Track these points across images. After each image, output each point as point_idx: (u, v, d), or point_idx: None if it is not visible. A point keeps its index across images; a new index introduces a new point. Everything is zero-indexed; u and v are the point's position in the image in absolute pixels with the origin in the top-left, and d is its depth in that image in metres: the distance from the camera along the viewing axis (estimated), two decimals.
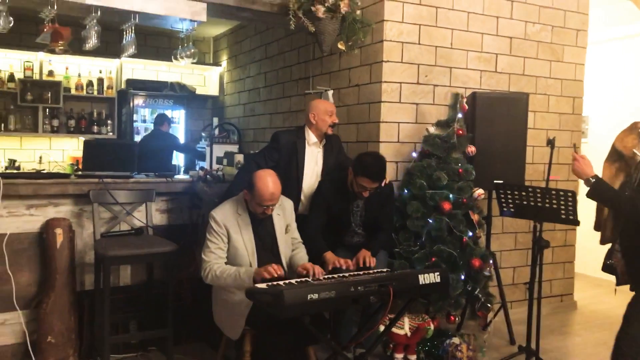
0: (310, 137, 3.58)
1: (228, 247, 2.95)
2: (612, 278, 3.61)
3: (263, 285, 2.57)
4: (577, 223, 3.24)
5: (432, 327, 3.68)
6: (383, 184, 3.35)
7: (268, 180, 2.89)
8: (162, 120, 6.29)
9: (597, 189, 2.61)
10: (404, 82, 4.07)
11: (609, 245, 3.47)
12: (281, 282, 2.62)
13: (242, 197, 3.02)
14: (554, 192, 3.21)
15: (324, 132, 3.56)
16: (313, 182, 3.55)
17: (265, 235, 3.05)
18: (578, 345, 4.15)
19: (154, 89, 6.94)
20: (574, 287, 5.11)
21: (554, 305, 4.93)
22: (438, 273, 2.83)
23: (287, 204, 3.21)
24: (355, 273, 2.95)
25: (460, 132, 3.88)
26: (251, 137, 6.39)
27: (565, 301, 5.03)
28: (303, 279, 2.72)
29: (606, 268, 3.70)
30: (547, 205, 3.23)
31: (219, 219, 2.95)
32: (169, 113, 6.88)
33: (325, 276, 2.82)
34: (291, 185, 3.45)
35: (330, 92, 4.59)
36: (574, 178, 4.94)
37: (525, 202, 3.34)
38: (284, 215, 3.14)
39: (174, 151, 6.41)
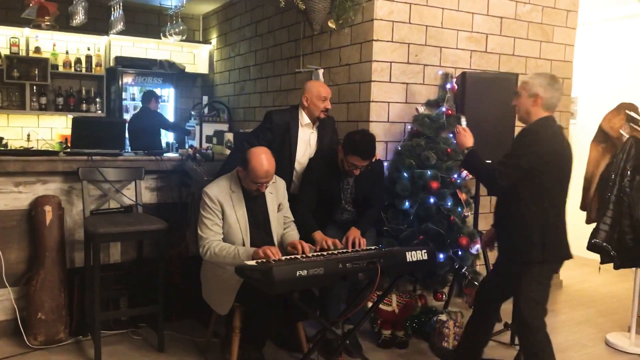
0: (304, 118, 3.57)
1: (222, 223, 2.97)
2: (597, 257, 3.68)
3: (252, 262, 2.60)
4: None
5: (419, 304, 3.74)
6: (373, 160, 3.37)
7: (262, 158, 2.90)
8: (149, 97, 6.25)
9: (467, 160, 2.91)
10: (394, 62, 4.07)
11: (594, 225, 3.54)
12: (270, 259, 2.65)
13: (236, 174, 3.04)
14: None
15: (316, 116, 3.56)
16: (305, 163, 3.56)
17: (257, 213, 3.07)
18: (563, 322, 4.22)
19: (143, 67, 6.88)
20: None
21: None
22: (425, 251, 2.86)
23: (280, 183, 3.23)
24: (344, 250, 2.98)
25: (450, 112, 3.89)
26: (241, 116, 6.37)
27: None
28: (292, 256, 2.75)
29: (591, 247, 3.78)
30: None
31: (212, 195, 2.96)
32: (158, 91, 6.82)
33: (314, 253, 2.85)
34: (284, 165, 3.45)
35: (321, 71, 4.58)
36: None
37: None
38: (276, 194, 3.16)
39: (163, 129, 6.39)
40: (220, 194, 2.97)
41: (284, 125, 3.54)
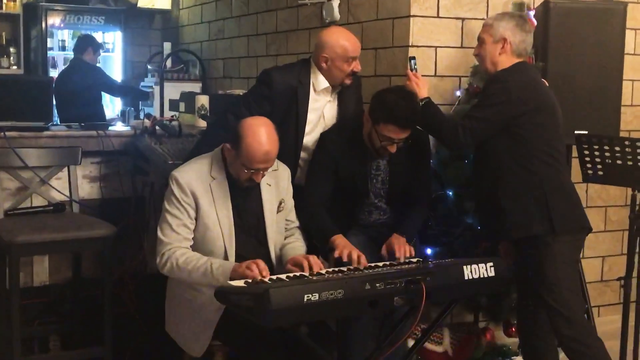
0: (319, 81, 3.51)
1: (196, 224, 2.99)
2: None
3: (240, 283, 2.60)
4: None
5: (483, 341, 3.74)
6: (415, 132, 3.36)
7: (261, 133, 2.88)
8: (85, 46, 6.27)
9: (424, 112, 3.25)
10: None
11: None
12: (266, 278, 2.66)
13: (220, 154, 3.04)
14: None
15: (339, 82, 3.54)
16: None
17: (248, 213, 3.07)
18: None
19: (77, 1, 6.90)
20: None
21: None
22: (492, 264, 2.84)
23: (283, 171, 3.21)
24: (373, 265, 2.98)
25: (528, 60, 3.86)
26: (220, 71, 6.37)
27: None
28: (298, 273, 2.76)
29: None
30: None
31: (183, 182, 2.95)
32: (98, 37, 6.84)
33: (330, 269, 2.85)
34: (287, 147, 3.43)
35: (336, 3, 4.55)
36: None
37: (620, 162, 3.35)
38: (276, 186, 3.16)
39: (105, 93, 6.40)
40: (196, 181, 2.97)
41: (289, 92, 3.49)
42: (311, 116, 3.53)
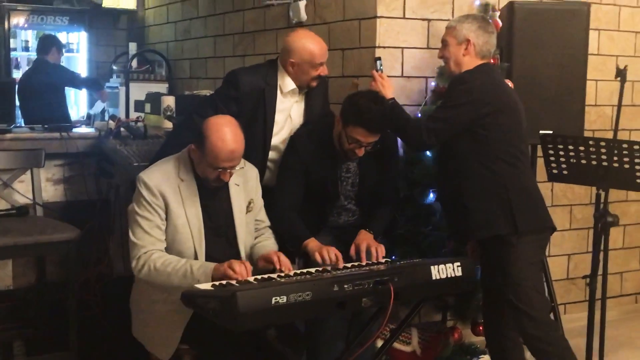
0: (286, 83, 3.51)
1: (166, 225, 2.96)
2: None
3: (207, 286, 2.58)
4: None
5: (451, 340, 3.75)
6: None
7: (226, 131, 2.87)
8: (48, 46, 6.19)
9: (393, 112, 3.27)
10: None
11: None
12: (233, 280, 2.64)
13: (187, 155, 3.02)
14: (625, 145, 3.26)
15: (305, 85, 3.54)
16: (284, 146, 3.55)
17: (217, 214, 3.05)
18: None
19: (40, 1, 6.82)
20: None
21: (625, 307, 5.08)
22: (459, 264, 2.87)
23: (251, 171, 3.21)
24: (342, 266, 2.99)
25: (492, 60, 3.89)
26: (186, 72, 6.33)
27: None
28: (266, 276, 2.75)
29: None
30: (615, 164, 3.28)
31: (151, 184, 2.92)
32: (62, 37, 6.76)
33: (299, 270, 2.85)
34: (255, 148, 3.43)
35: (302, 4, 4.55)
36: None
37: (584, 161, 3.38)
38: (245, 186, 3.14)
39: (69, 88, 6.32)
40: (164, 183, 2.94)
41: (256, 93, 3.48)
42: (278, 117, 3.53)
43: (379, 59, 3.54)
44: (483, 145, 3.16)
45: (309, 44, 3.44)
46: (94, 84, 6.36)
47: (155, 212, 2.91)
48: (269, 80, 3.50)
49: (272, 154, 3.55)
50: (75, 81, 6.37)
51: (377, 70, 3.45)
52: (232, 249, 3.05)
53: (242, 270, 2.70)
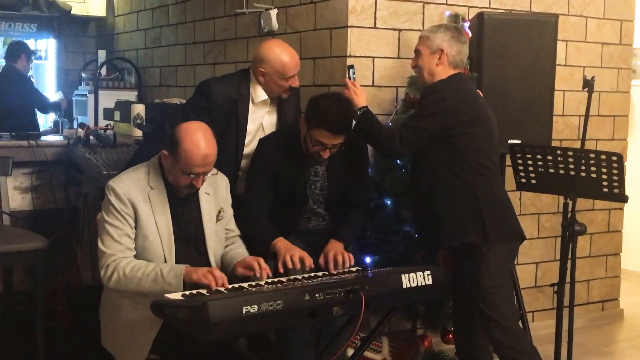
0: (258, 93, 3.51)
1: (136, 233, 2.94)
2: None
3: (177, 295, 2.57)
4: (624, 199, 3.36)
5: (422, 348, 3.77)
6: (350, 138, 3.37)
7: (199, 137, 2.87)
8: (17, 52, 6.14)
9: (361, 123, 3.31)
10: None
11: None
12: (203, 290, 2.63)
13: (156, 162, 3.00)
14: (592, 155, 3.31)
15: (276, 95, 3.54)
16: None
17: (186, 222, 3.03)
18: None
19: (8, 7, 6.75)
20: (620, 289, 5.31)
21: (592, 315, 5.12)
22: (429, 272, 2.89)
23: (221, 180, 3.20)
24: (313, 275, 2.98)
25: (463, 70, 3.92)
26: (156, 80, 6.30)
27: (608, 309, 5.23)
28: (237, 285, 2.74)
29: None
30: (582, 174, 3.32)
31: (121, 192, 2.90)
32: (30, 44, 6.70)
33: (269, 280, 2.84)
34: (227, 158, 3.42)
35: (274, 13, 4.55)
36: (620, 136, 5.08)
37: (552, 171, 3.42)
38: (215, 195, 3.13)
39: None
40: (134, 190, 2.92)
41: (228, 103, 3.48)
42: (250, 127, 3.53)
43: (352, 67, 3.54)
44: (455, 154, 3.20)
45: (281, 55, 3.44)
46: (56, 107, 6.33)
47: (124, 220, 2.89)
48: (241, 90, 3.50)
49: (244, 163, 3.55)
50: (43, 106, 6.29)
51: (349, 78, 3.46)
52: (202, 258, 3.04)
53: (217, 277, 2.70)
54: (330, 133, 3.23)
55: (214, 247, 3.09)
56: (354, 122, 3.33)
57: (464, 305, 3.39)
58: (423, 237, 3.53)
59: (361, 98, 3.39)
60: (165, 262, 2.94)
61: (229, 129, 3.46)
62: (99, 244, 2.91)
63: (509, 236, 3.27)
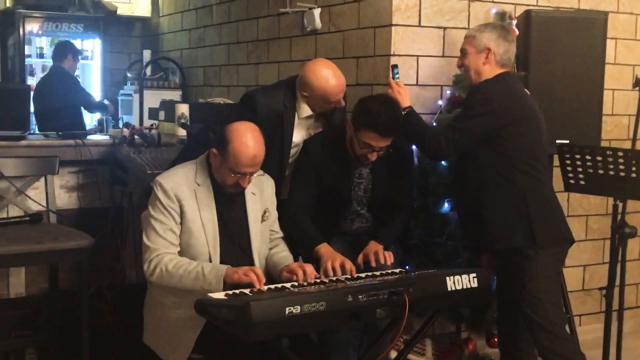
0: (303, 108, 3.49)
1: (181, 229, 2.96)
2: None
3: (220, 295, 2.58)
4: None
5: (466, 352, 3.73)
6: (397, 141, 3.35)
7: (248, 136, 2.89)
8: (64, 52, 6.22)
9: (406, 121, 3.27)
10: None
11: None
12: (246, 290, 2.64)
13: (204, 160, 3.03)
14: None
15: (318, 111, 3.51)
16: None
17: (232, 221, 3.05)
18: None
19: (55, 8, 6.85)
20: None
21: None
22: (475, 275, 2.85)
23: (267, 181, 3.22)
24: (356, 276, 2.97)
25: (509, 70, 3.87)
26: (200, 79, 6.34)
27: None
28: (279, 286, 2.74)
29: None
30: (633, 175, 3.26)
31: (168, 188, 2.93)
32: (77, 44, 6.79)
33: (311, 281, 2.83)
34: (272, 166, 3.42)
35: (317, 12, 4.55)
36: None
37: (601, 171, 3.36)
38: (261, 195, 3.15)
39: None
40: (180, 187, 2.95)
41: (273, 116, 3.45)
42: (296, 138, 3.53)
43: (396, 66, 3.53)
44: (502, 155, 3.15)
45: (324, 82, 3.37)
46: (102, 110, 6.39)
47: (170, 215, 2.93)
48: (287, 103, 3.48)
49: (288, 172, 3.56)
50: (88, 105, 6.38)
51: (393, 78, 3.44)
52: (246, 257, 3.05)
53: (258, 276, 2.71)
54: (379, 135, 3.21)
55: (259, 247, 3.10)
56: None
57: (509, 309, 3.33)
58: (468, 239, 3.48)
59: (405, 98, 3.38)
60: (210, 259, 2.96)
61: (273, 141, 3.40)
62: (144, 238, 2.95)
63: (557, 240, 3.22)
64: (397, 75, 3.47)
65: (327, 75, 3.38)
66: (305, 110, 3.50)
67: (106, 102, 6.57)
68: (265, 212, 3.14)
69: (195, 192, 2.97)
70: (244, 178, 2.93)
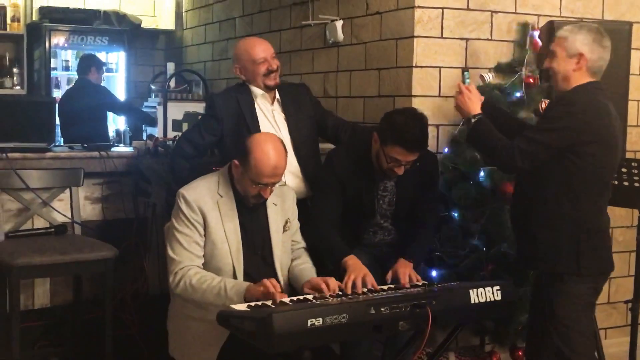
0: (254, 90, 3.61)
1: (205, 241, 2.97)
2: None
3: (243, 307, 2.58)
4: None
5: None
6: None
7: (269, 147, 2.90)
8: (89, 65, 6.26)
9: (475, 132, 3.04)
10: (447, 8, 4.05)
11: None
12: (268, 302, 2.63)
13: (226, 172, 3.04)
14: None
15: (265, 87, 3.59)
16: None
17: (254, 232, 3.05)
18: None
19: (80, 22, 6.91)
20: None
21: None
22: (498, 287, 2.84)
23: (288, 192, 3.23)
24: (378, 288, 2.96)
25: (531, 80, 3.85)
26: None
27: None
28: (301, 297, 2.74)
29: None
30: None
31: (191, 200, 2.94)
32: (102, 57, 6.85)
33: (334, 293, 2.83)
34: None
35: (339, 24, 4.56)
36: None
37: (626, 184, 3.34)
38: (282, 206, 3.15)
39: (110, 112, 6.40)
40: (203, 198, 2.96)
41: (232, 107, 3.58)
42: (264, 127, 3.57)
43: (467, 70, 3.39)
44: (570, 174, 2.90)
45: (245, 45, 3.63)
46: (134, 113, 6.40)
47: (194, 227, 2.94)
48: (241, 91, 3.64)
49: None
50: (116, 108, 6.42)
51: (463, 82, 3.28)
52: (269, 268, 3.06)
53: (269, 286, 2.68)
54: (407, 150, 3.19)
55: (281, 256, 3.10)
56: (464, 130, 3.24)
57: (537, 332, 3.14)
58: (517, 253, 3.30)
59: (476, 105, 3.14)
60: (234, 269, 2.97)
61: (241, 133, 3.48)
62: (169, 250, 2.95)
63: (600, 271, 3.03)
64: (467, 80, 3.30)
65: (249, 39, 3.76)
66: (256, 90, 3.60)
67: (153, 109, 6.55)
68: (286, 222, 3.14)
69: (218, 204, 2.98)
70: (266, 189, 2.93)
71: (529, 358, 3.32)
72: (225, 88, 3.90)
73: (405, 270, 3.19)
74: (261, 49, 3.58)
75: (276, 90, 3.65)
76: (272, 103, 3.63)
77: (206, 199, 2.96)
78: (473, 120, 3.07)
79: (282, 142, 2.97)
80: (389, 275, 3.19)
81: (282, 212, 3.14)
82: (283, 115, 3.64)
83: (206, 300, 2.85)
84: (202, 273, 2.90)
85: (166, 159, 3.97)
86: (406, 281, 3.13)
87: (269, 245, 3.08)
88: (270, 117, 3.61)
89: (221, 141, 3.60)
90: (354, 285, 2.95)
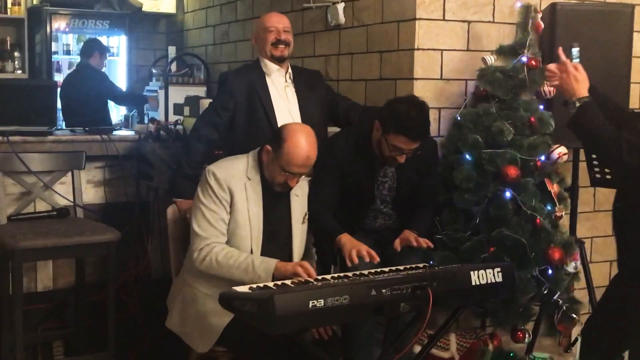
0: (268, 66, 3.67)
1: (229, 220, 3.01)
2: None
3: (244, 288, 2.59)
4: None
5: (490, 347, 3.71)
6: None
7: (303, 137, 2.94)
8: (91, 50, 6.27)
9: (579, 118, 2.68)
10: None
11: None
12: (270, 284, 2.65)
13: (256, 155, 3.07)
14: None
15: (271, 56, 3.68)
16: None
17: (276, 220, 3.09)
18: None
19: (81, 5, 6.90)
20: None
21: None
22: (499, 269, 2.85)
23: (305, 186, 3.27)
24: (379, 270, 2.97)
25: (534, 63, 3.84)
26: None
27: None
28: (303, 279, 2.75)
29: None
30: None
31: (221, 177, 2.97)
32: (103, 41, 6.84)
33: (336, 275, 2.84)
34: (261, 138, 3.46)
35: (341, 6, 4.54)
36: None
37: None
38: (303, 198, 3.20)
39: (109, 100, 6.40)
40: (232, 178, 3.00)
41: (245, 83, 3.65)
42: (277, 102, 3.66)
43: (576, 46, 2.92)
44: None
45: (264, 15, 3.83)
46: (135, 100, 6.41)
47: (221, 205, 2.98)
48: (254, 67, 3.73)
49: None
50: (117, 98, 6.43)
51: (571, 60, 2.87)
52: (285, 256, 3.08)
53: (302, 273, 2.74)
54: (409, 139, 3.20)
55: (299, 247, 3.17)
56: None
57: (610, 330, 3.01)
58: (620, 264, 3.02)
59: (583, 86, 2.76)
60: (251, 251, 3.00)
61: (256, 109, 3.60)
62: (194, 225, 2.98)
63: None
64: (576, 57, 2.86)
65: (270, 13, 3.87)
66: (270, 65, 3.68)
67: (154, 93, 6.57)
68: (305, 214, 3.20)
69: (245, 186, 3.02)
70: (293, 178, 2.97)
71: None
72: (238, 67, 3.97)
73: (412, 235, 3.22)
74: (275, 20, 3.71)
75: (290, 71, 3.72)
76: (285, 80, 3.70)
77: (235, 180, 3.00)
78: (578, 104, 2.72)
79: (315, 134, 3.01)
80: (397, 242, 3.22)
81: (303, 204, 3.20)
82: (295, 94, 3.70)
83: (232, 276, 2.88)
84: (228, 249, 2.95)
85: (169, 142, 3.99)
86: (419, 242, 3.17)
87: (289, 235, 3.13)
88: (283, 93, 3.67)
89: (234, 118, 3.63)
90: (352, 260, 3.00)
